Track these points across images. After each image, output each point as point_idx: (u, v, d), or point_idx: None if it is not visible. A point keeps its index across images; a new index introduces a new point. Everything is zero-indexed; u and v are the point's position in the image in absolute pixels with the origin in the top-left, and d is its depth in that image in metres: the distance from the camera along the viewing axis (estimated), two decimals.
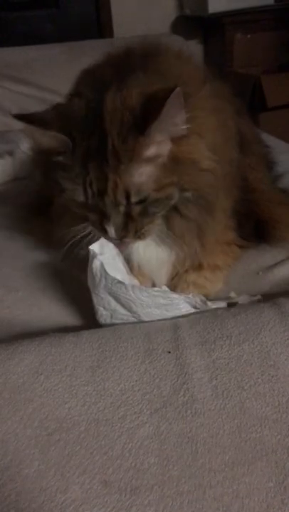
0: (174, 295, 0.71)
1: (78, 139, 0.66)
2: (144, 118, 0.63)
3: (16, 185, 1.32)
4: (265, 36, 2.35)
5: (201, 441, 0.51)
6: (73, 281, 0.83)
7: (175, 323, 0.65)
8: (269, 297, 0.72)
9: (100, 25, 2.42)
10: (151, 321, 0.68)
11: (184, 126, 0.65)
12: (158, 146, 0.66)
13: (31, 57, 1.94)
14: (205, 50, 2.58)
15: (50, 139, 0.67)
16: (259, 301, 0.73)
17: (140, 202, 0.67)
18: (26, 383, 0.56)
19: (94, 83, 0.71)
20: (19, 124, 0.67)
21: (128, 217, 0.68)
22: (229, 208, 0.81)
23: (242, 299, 0.75)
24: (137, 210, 0.67)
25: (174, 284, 0.82)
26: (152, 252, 0.78)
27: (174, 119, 0.64)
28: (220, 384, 0.56)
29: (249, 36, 2.34)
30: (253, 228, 0.90)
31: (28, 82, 1.88)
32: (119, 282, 0.68)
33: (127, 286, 0.68)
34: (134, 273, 0.79)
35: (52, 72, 1.88)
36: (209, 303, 0.73)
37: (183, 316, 0.69)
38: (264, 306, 0.66)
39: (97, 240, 0.71)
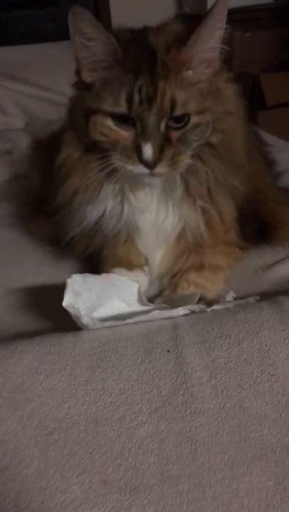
0: (169, 311, 0.69)
1: (129, 49, 0.70)
2: (188, 32, 0.69)
3: (15, 184, 1.32)
4: (265, 34, 2.35)
5: (201, 440, 0.51)
6: None
7: (174, 322, 0.65)
8: (268, 296, 0.72)
9: None
10: (150, 321, 0.68)
11: (219, 45, 0.71)
12: (198, 68, 0.71)
13: (31, 56, 1.93)
14: None
15: (102, 45, 0.71)
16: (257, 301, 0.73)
17: (180, 127, 0.70)
18: (25, 383, 0.56)
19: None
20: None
21: (166, 140, 0.69)
22: (243, 173, 0.82)
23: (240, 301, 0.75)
24: (176, 135, 0.70)
25: (175, 282, 0.82)
26: (158, 219, 0.80)
27: (216, 30, 0.69)
28: (219, 383, 0.55)
29: (248, 34, 2.33)
30: (256, 229, 0.90)
31: (28, 81, 1.87)
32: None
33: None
34: (125, 244, 0.82)
35: (51, 71, 1.87)
36: (208, 309, 0.71)
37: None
38: (263, 305, 0.66)
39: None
